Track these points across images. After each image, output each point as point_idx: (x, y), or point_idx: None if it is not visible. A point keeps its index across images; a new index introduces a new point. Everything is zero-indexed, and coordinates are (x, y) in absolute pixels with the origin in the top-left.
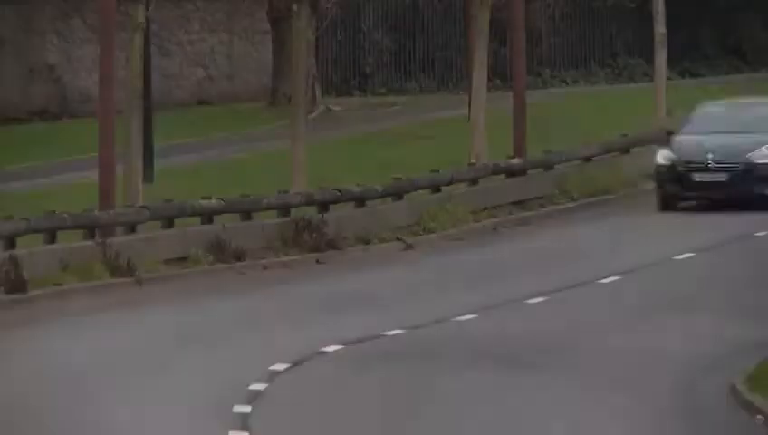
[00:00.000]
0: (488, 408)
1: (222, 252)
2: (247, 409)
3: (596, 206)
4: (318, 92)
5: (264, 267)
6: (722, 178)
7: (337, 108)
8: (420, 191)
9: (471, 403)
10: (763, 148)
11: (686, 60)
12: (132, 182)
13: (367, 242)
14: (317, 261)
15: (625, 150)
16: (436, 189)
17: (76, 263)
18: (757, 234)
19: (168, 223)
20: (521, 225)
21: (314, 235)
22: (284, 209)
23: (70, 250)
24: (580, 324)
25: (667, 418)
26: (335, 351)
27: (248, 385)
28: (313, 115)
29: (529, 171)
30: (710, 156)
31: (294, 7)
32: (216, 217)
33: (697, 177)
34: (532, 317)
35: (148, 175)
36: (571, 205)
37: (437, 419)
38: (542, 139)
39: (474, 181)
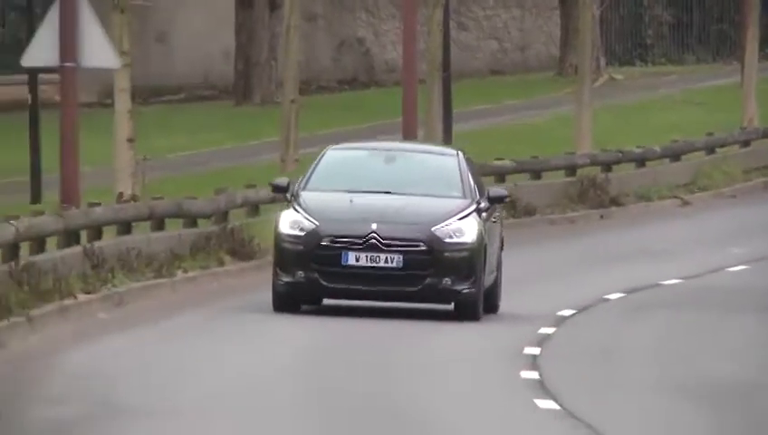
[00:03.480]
0: (763, 349)
1: (514, 208)
2: (537, 350)
3: None
4: (602, 63)
5: (552, 223)
6: (394, 262)
7: (620, 77)
8: (696, 153)
9: (746, 345)
10: (453, 220)
11: None
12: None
13: (647, 199)
14: (600, 217)
15: None
16: (711, 151)
17: None
18: None
19: None
20: None
21: (598, 193)
22: (571, 169)
23: None
24: None
25: None
26: (617, 298)
27: (538, 329)
28: (598, 84)
29: None
30: (374, 226)
31: None
32: (508, 177)
33: (353, 258)
34: None
35: (448, 138)
36: None
37: (715, 357)
38: None
39: (746, 143)
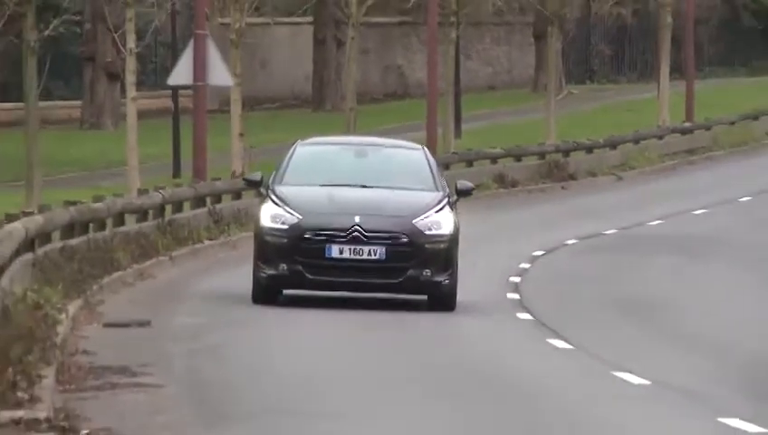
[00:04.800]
0: (671, 277)
1: (503, 181)
2: (518, 279)
3: (739, 153)
4: (563, 82)
5: (529, 192)
6: (377, 255)
7: (575, 92)
8: (627, 144)
9: (660, 274)
10: (431, 212)
11: None
12: (447, 138)
13: (594, 175)
14: (562, 187)
15: (755, 118)
16: (637, 142)
17: None
18: None
19: (469, 163)
20: (691, 165)
21: (560, 171)
22: (541, 155)
23: None
24: (728, 228)
25: None
26: (573, 243)
27: (519, 264)
28: (560, 97)
29: (695, 131)
30: (357, 219)
31: (549, 29)
32: (499, 160)
33: (337, 251)
34: (698, 223)
35: (458, 133)
36: (722, 152)
37: (639, 282)
38: (703, 110)
39: (660, 137)
